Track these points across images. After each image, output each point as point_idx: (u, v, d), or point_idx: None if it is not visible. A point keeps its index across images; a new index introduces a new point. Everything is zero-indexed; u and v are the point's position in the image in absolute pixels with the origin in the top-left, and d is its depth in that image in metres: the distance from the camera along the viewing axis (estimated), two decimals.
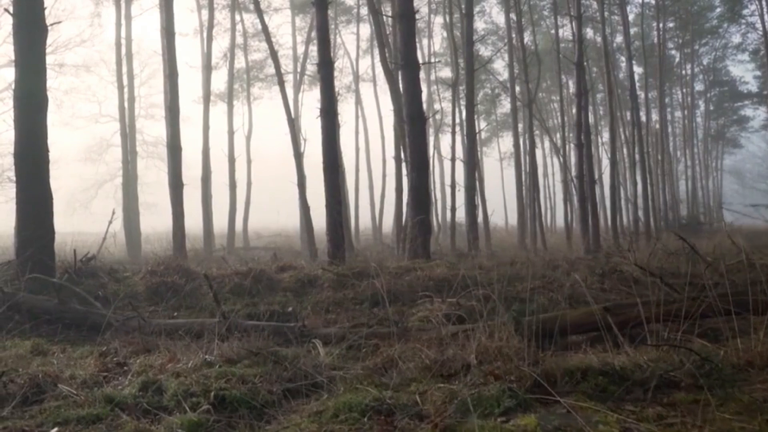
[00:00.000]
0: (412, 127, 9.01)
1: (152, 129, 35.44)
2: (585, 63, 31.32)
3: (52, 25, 6.54)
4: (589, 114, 41.04)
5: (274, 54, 14.23)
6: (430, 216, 9.17)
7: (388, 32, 16.19)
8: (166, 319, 5.69)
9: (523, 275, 7.79)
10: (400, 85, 16.59)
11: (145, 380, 2.85)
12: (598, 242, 18.07)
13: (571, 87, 37.52)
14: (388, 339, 4.02)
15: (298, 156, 14.48)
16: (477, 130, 17.44)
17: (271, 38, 14.05)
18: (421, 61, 29.35)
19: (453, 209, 19.91)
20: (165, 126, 17.32)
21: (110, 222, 14.73)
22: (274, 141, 39.14)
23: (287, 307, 6.20)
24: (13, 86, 20.24)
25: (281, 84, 14.28)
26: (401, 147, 16.82)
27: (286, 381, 2.96)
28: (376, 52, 32.12)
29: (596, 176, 21.04)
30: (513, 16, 24.26)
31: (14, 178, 15.31)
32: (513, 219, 39.55)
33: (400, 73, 9.29)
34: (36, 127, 6.43)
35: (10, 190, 21.37)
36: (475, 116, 20.81)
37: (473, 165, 16.52)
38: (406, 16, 9.16)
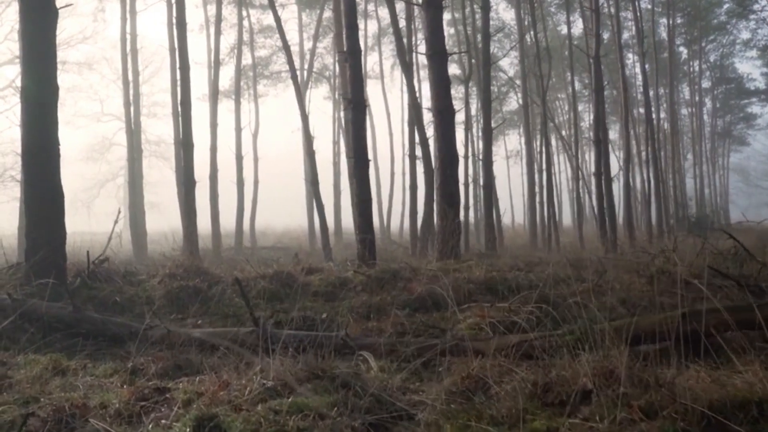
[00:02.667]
0: (441, 121, 8.51)
1: (154, 128, 35.05)
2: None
3: (62, 8, 6.04)
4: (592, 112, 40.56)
5: (286, 47, 13.71)
6: (459, 214, 8.67)
7: (401, 25, 15.66)
8: (192, 328, 5.19)
9: (563, 277, 7.33)
10: (422, 77, 16.13)
11: (199, 415, 2.33)
12: (615, 241, 17.62)
13: (577, 84, 37.17)
14: (462, 354, 3.53)
15: (311, 153, 13.97)
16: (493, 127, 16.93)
17: (283, 30, 13.54)
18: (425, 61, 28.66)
19: (466, 207, 19.43)
20: (173, 123, 16.87)
21: (116, 221, 14.25)
22: (277, 139, 38.61)
23: (321, 313, 5.69)
24: (14, 84, 19.60)
25: (294, 78, 13.75)
26: (414, 143, 16.33)
27: (364, 412, 2.46)
28: (384, 48, 31.72)
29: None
30: (522, 12, 23.83)
31: (18, 177, 14.81)
32: (519, 217, 39.12)
33: (428, 63, 8.78)
34: (45, 120, 5.92)
35: (12, 189, 20.94)
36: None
37: (490, 162, 16.03)
38: (434, 4, 8.66)
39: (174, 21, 11.56)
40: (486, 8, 15.86)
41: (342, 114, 27.67)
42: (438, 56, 8.58)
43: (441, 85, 8.59)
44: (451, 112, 8.58)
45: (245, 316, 5.57)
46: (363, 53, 29.05)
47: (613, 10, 23.50)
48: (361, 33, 29.75)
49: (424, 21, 9.03)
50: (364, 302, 5.84)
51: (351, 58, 7.60)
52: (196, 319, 5.37)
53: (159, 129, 35.21)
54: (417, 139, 16.03)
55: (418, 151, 16.11)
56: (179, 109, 11.57)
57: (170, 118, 35.96)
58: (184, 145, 10.79)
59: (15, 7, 23.18)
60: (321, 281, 6.52)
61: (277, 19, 13.53)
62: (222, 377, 2.82)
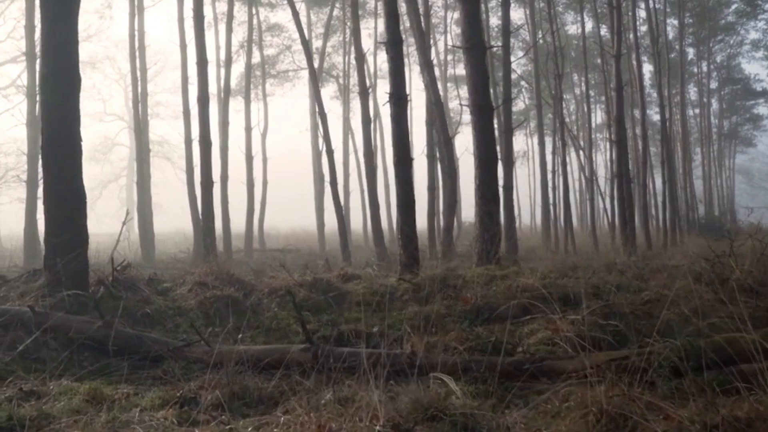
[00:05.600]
0: (480, 117, 8.00)
1: (157, 128, 34.53)
2: (599, 61, 30.51)
3: None
4: (599, 112, 40.09)
5: (304, 42, 13.19)
6: (498, 216, 8.17)
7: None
8: (232, 344, 4.67)
9: (620, 283, 6.83)
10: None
11: None
12: (634, 244, 17.18)
13: (584, 86, 36.80)
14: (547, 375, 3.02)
15: (330, 152, 13.44)
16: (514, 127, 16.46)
17: (302, 26, 13.03)
18: (434, 59, 27.99)
19: None
20: (183, 122, 16.33)
21: (124, 223, 13.70)
22: (282, 139, 38.02)
23: (371, 326, 5.18)
24: (16, 82, 18.95)
25: (312, 74, 13.25)
26: (432, 143, 15.87)
27: None
28: None
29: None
30: (528, 11, 23.42)
31: (24, 177, 14.22)
32: (526, 218, 38.60)
33: (464, 57, 8.28)
34: (67, 111, 5.40)
35: (16, 190, 20.37)
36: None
37: (511, 163, 15.54)
38: None
39: (191, 14, 11.02)
40: (506, 4, 15.39)
41: (352, 113, 27.17)
42: (476, 49, 8.07)
43: (479, 79, 8.08)
44: (491, 108, 8.08)
45: (289, 329, 5.07)
46: (373, 52, 28.59)
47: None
48: (369, 32, 29.30)
49: (460, 12, 8.53)
50: (417, 313, 5.31)
51: (392, 48, 7.09)
52: (236, 334, 4.85)
53: (161, 129, 34.72)
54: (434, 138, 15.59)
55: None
56: (196, 106, 11.05)
57: (172, 118, 35.55)
58: (202, 144, 10.26)
59: (18, 4, 22.65)
60: (365, 290, 6.00)
61: (295, 14, 13.01)
62: (319, 419, 2.30)
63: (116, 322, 4.70)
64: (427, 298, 5.73)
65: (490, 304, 5.61)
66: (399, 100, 7.06)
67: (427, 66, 13.02)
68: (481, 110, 7.97)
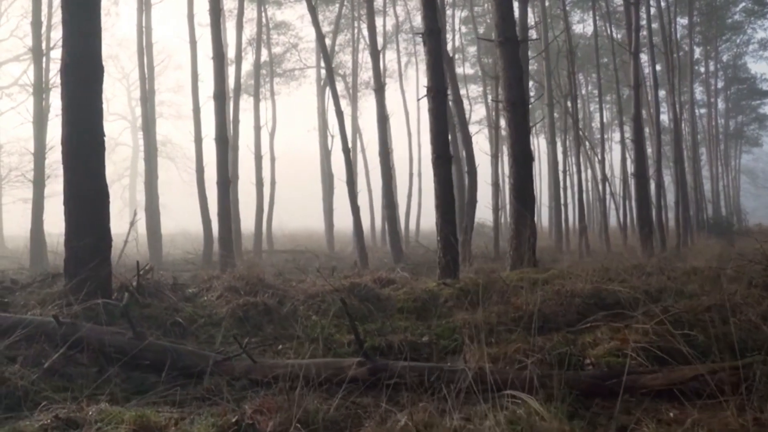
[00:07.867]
0: (514, 114, 7.62)
1: (160, 128, 34.08)
2: (605, 60, 30.07)
3: None
4: (605, 111, 39.92)
5: (321, 38, 12.80)
6: (534, 215, 7.78)
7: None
8: (273, 356, 4.28)
9: (674, 288, 6.46)
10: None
11: None
12: (652, 245, 16.83)
13: (590, 85, 36.52)
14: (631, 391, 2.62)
15: (346, 151, 13.06)
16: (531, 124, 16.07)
17: (318, 22, 12.63)
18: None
19: (496, 209, 18.57)
20: (193, 120, 15.94)
21: (132, 223, 13.28)
22: (287, 138, 37.61)
23: (421, 335, 4.80)
24: (19, 81, 18.49)
25: (329, 71, 12.85)
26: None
27: None
28: (402, 46, 30.77)
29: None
30: (534, 10, 23.08)
31: (30, 177, 13.79)
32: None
33: (498, 51, 7.89)
34: (89, 102, 5.03)
35: (20, 190, 19.92)
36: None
37: None
38: None
39: (201, 11, 10.63)
40: (524, 1, 14.97)
41: (360, 111, 26.77)
42: (510, 43, 7.69)
43: (513, 74, 7.70)
44: (525, 104, 7.70)
45: (332, 340, 4.66)
46: (381, 48, 28.18)
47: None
48: (377, 30, 28.88)
49: (493, 6, 8.16)
50: (466, 321, 4.92)
51: (429, 39, 6.68)
52: (276, 345, 4.46)
53: (164, 129, 34.26)
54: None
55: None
56: (207, 103, 10.66)
57: (176, 118, 35.08)
58: (219, 142, 9.88)
59: (21, 3, 22.21)
60: (405, 296, 5.60)
61: (311, 8, 12.62)
62: None
63: (145, 332, 4.32)
64: (473, 304, 5.35)
65: (543, 310, 5.23)
66: (438, 94, 6.65)
67: (446, 61, 12.62)
68: (516, 107, 7.59)
